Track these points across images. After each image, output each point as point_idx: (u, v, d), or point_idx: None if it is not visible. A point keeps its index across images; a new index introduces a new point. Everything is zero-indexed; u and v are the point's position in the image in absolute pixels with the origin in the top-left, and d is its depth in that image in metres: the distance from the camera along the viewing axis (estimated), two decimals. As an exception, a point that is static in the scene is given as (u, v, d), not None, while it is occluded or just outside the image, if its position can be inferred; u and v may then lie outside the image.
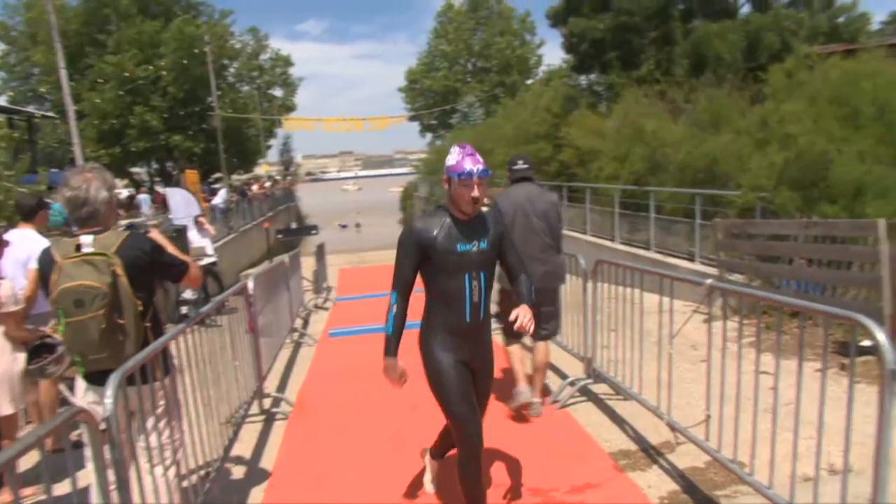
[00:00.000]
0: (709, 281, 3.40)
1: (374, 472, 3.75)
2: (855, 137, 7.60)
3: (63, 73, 15.84)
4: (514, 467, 3.63)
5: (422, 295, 2.78)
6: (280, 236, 15.61)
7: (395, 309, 2.66)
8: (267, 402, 5.01)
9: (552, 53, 48.46)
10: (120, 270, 2.46)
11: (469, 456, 2.68)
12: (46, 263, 2.52)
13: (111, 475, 2.18)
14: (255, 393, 4.81)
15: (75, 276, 2.40)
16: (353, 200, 70.73)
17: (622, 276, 4.38)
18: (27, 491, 3.50)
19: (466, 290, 2.65)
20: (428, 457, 3.36)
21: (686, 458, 3.65)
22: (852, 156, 7.18)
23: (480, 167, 2.58)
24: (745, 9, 18.55)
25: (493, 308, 3.14)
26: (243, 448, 4.20)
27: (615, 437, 4.08)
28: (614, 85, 17.73)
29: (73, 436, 3.16)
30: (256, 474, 3.88)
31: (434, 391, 2.71)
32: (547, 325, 4.46)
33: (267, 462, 4.05)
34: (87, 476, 2.24)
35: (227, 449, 3.81)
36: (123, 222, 10.69)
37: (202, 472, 3.27)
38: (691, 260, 9.05)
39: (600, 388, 4.80)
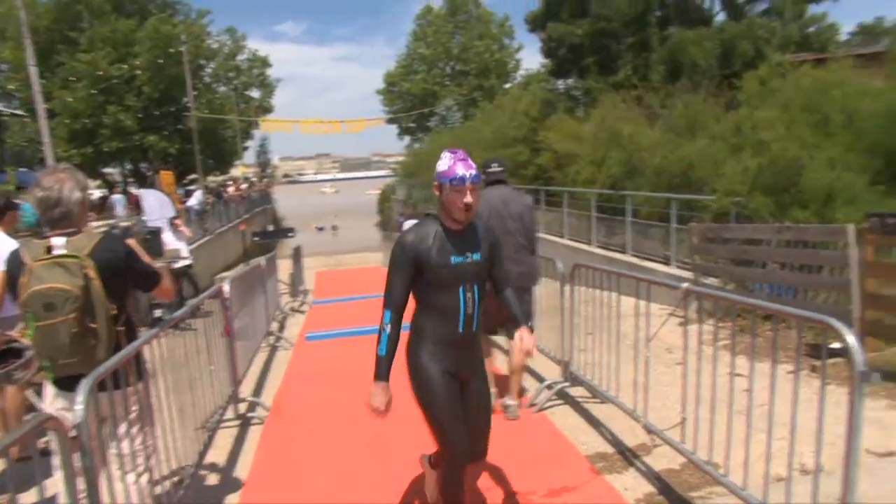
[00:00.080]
0: (685, 285, 3.45)
1: (352, 477, 3.72)
2: (825, 144, 7.79)
3: (33, 71, 15.53)
4: (491, 470, 3.62)
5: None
6: (256, 239, 15.52)
7: (388, 330, 2.53)
8: (242, 407, 4.94)
9: (530, 58, 48.92)
10: (93, 273, 2.40)
11: (452, 468, 2.64)
12: (15, 265, 2.46)
13: (81, 483, 2.13)
14: (231, 397, 4.75)
15: (46, 279, 2.34)
16: (330, 203, 70.30)
17: (599, 279, 4.41)
18: (-8, 500, 3.41)
19: (461, 302, 2.56)
20: (427, 465, 3.21)
21: (662, 460, 3.68)
22: (822, 162, 7.36)
23: (473, 172, 2.49)
24: (720, 17, 18.92)
25: None
26: (218, 454, 4.14)
27: (592, 439, 4.10)
28: (592, 90, 17.92)
29: (41, 443, 3.08)
30: (231, 480, 3.83)
31: (420, 403, 2.62)
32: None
33: (242, 467, 3.99)
34: (55, 485, 2.19)
35: (202, 455, 3.75)
36: (95, 224, 10.49)
37: (175, 479, 3.22)
38: (667, 263, 9.15)
39: (577, 392, 4.82)
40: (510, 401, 4.44)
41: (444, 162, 2.54)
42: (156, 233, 7.98)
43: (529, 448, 3.99)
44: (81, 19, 31.81)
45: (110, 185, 32.93)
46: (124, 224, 11.69)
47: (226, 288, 4.86)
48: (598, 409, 4.52)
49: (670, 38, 16.98)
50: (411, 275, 2.53)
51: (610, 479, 3.53)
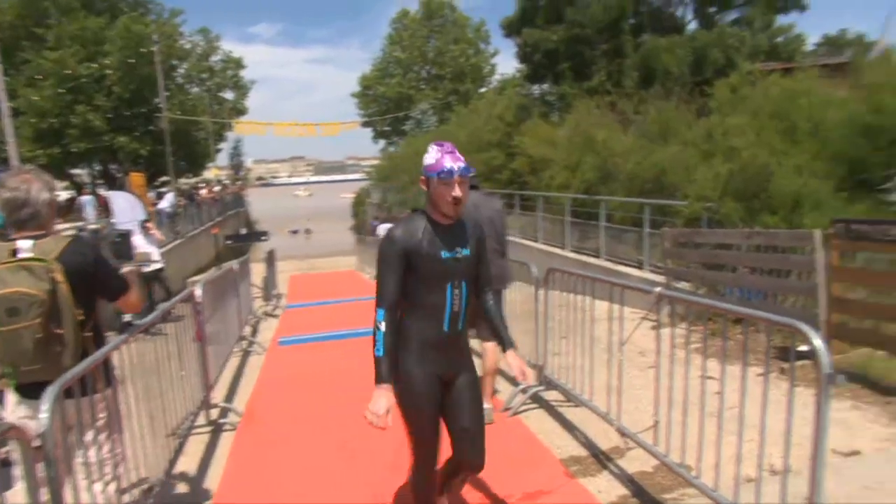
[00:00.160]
0: (658, 289, 3.48)
1: (324, 482, 3.69)
2: (793, 152, 7.98)
3: (-4, 68, 15.14)
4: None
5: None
6: (229, 242, 15.34)
7: (383, 328, 2.39)
8: (214, 413, 4.86)
9: (506, 63, 49.08)
10: (60, 277, 2.34)
11: (419, 470, 2.60)
12: (-24, 269, 2.38)
13: (45, 494, 2.07)
14: (202, 403, 4.67)
15: (10, 283, 2.27)
16: (304, 206, 69.85)
17: (573, 283, 4.44)
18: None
19: (447, 299, 2.48)
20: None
21: (635, 462, 3.71)
22: (790, 169, 7.53)
23: (461, 164, 2.42)
24: (692, 25, 19.30)
25: None
26: (189, 460, 4.06)
27: (566, 443, 4.12)
28: (566, 95, 18.12)
29: (1, 453, 2.99)
30: (202, 487, 3.76)
31: (400, 405, 2.54)
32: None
33: (213, 475, 3.92)
34: (15, 495, 2.12)
35: (172, 462, 3.68)
36: (63, 226, 10.25)
37: (144, 487, 3.15)
38: (640, 268, 9.26)
39: (552, 395, 4.85)
40: (485, 404, 4.44)
41: (432, 155, 2.47)
42: (126, 236, 7.77)
43: (504, 452, 3.99)
44: (48, 16, 31.08)
45: (78, 187, 32.13)
46: (93, 226, 11.44)
47: (198, 292, 4.79)
48: (572, 413, 4.55)
49: (643, 46, 17.26)
50: (402, 269, 2.43)
51: (584, 483, 3.55)
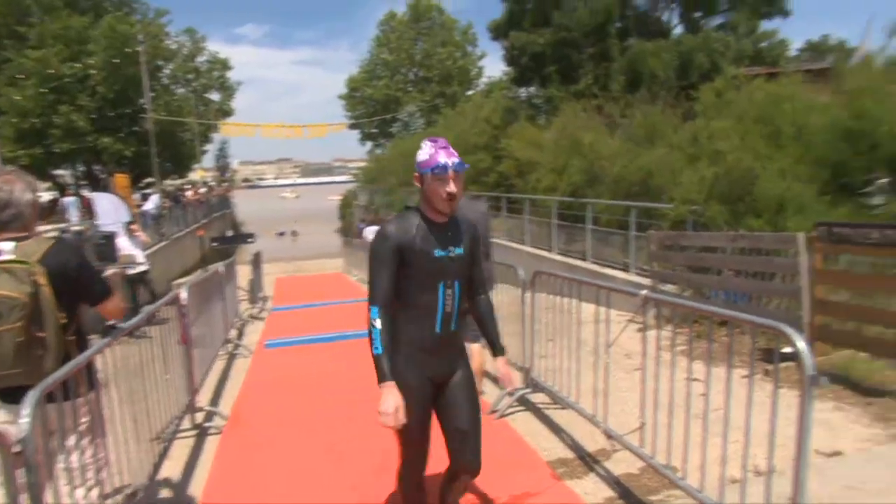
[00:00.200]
0: (644, 292, 3.50)
1: (312, 485, 3.66)
2: (777, 156, 8.07)
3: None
4: (454, 478, 3.61)
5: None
6: (215, 244, 15.23)
7: (377, 325, 2.33)
8: (199, 417, 4.82)
9: (493, 66, 49.46)
10: (42, 280, 2.31)
11: (409, 477, 2.61)
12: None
13: (24, 501, 2.03)
14: (187, 407, 4.63)
15: (-10, 286, 2.24)
16: (290, 208, 69.51)
17: (560, 286, 4.46)
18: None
19: (439, 299, 2.44)
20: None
21: (622, 464, 3.73)
22: (774, 173, 7.61)
23: (456, 160, 2.39)
24: (678, 30, 19.48)
25: None
26: (173, 465, 4.02)
27: (553, 445, 4.13)
28: (553, 98, 18.20)
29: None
30: (187, 492, 3.72)
31: None
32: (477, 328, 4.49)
33: (199, 479, 3.88)
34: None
35: (156, 466, 3.64)
36: (45, 228, 10.12)
37: (128, 492, 3.11)
38: (626, 270, 9.31)
39: (538, 398, 4.85)
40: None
41: (425, 151, 2.43)
42: (110, 238, 7.71)
43: (491, 454, 3.96)
44: (31, 14, 30.66)
45: (62, 188, 31.75)
46: (76, 228, 11.31)
47: (183, 294, 4.75)
48: (558, 415, 4.56)
49: (630, 49, 17.40)
50: (395, 265, 2.38)
51: (571, 485, 3.55)
